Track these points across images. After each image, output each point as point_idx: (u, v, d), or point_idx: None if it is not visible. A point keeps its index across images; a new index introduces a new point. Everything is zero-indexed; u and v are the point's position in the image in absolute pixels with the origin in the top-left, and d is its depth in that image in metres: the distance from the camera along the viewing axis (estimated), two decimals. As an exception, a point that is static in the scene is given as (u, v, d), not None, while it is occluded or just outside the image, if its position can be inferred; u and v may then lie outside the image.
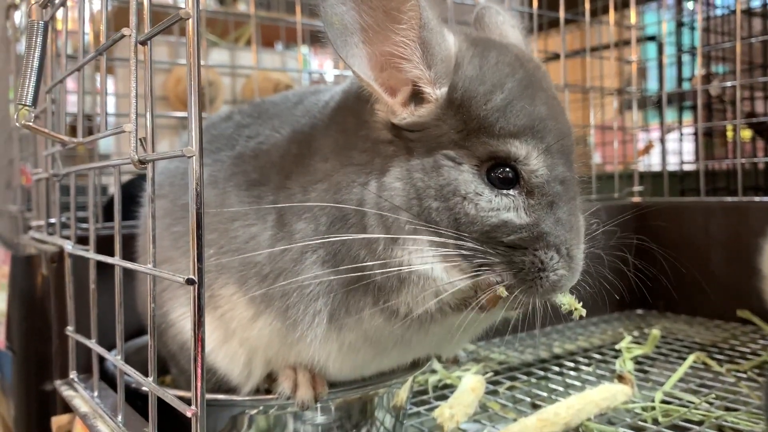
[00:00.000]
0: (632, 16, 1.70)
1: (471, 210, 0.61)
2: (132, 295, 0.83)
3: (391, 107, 0.63)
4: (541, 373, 1.15)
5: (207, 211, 0.70)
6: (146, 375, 0.58)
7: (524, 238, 0.62)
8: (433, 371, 1.11)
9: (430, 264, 0.63)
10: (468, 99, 0.62)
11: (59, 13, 0.79)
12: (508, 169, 0.62)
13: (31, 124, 0.64)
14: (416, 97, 0.64)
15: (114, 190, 0.97)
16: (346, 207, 0.64)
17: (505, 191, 0.62)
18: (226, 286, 0.70)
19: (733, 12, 1.77)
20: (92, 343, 0.75)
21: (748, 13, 1.79)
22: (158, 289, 0.69)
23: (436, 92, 0.62)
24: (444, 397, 0.99)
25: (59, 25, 0.87)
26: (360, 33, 0.61)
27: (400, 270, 0.63)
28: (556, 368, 1.17)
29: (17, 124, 0.64)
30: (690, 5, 1.97)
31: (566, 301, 0.66)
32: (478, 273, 0.62)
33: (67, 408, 0.84)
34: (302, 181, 0.68)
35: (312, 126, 0.72)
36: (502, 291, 0.62)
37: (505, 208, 0.62)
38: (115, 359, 0.66)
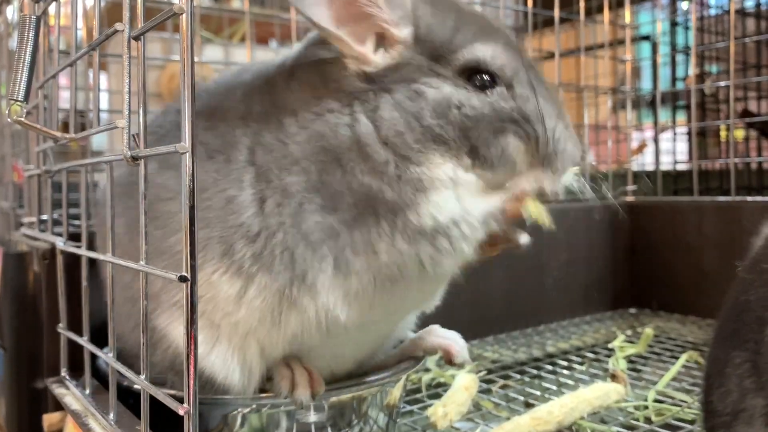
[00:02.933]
0: (627, 15, 1.70)
1: (470, 112, 0.66)
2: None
3: (362, 56, 0.67)
4: (534, 371, 1.15)
5: (166, 197, 0.68)
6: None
7: (525, 116, 0.68)
8: (427, 370, 1.11)
9: (450, 169, 0.66)
10: (431, 30, 0.68)
11: (51, 8, 0.78)
12: (482, 74, 0.68)
13: (23, 119, 0.64)
14: (381, 42, 0.68)
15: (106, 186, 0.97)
16: (341, 146, 0.66)
17: (489, 91, 0.68)
18: (204, 266, 0.67)
19: (727, 12, 1.78)
20: (84, 341, 0.74)
21: (742, 13, 1.79)
22: (138, 303, 0.67)
23: (402, 32, 0.67)
24: (437, 396, 0.99)
25: (51, 21, 0.87)
26: None
27: (421, 181, 0.65)
28: (549, 367, 1.18)
29: (9, 119, 0.64)
30: (684, 5, 1.98)
31: (533, 210, 0.68)
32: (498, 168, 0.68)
33: (58, 406, 0.83)
34: (278, 135, 0.68)
35: (270, 84, 0.72)
36: (531, 203, 0.67)
37: (496, 101, 0.67)
38: (107, 357, 0.66)
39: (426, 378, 1.09)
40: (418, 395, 1.03)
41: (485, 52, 0.68)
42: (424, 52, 0.68)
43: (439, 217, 0.66)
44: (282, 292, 0.67)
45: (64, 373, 0.84)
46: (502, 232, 0.70)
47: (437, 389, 1.05)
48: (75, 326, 0.79)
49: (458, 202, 0.67)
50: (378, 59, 0.67)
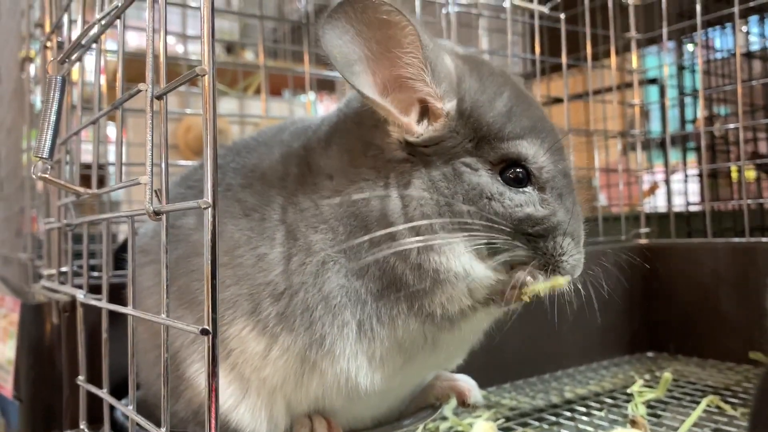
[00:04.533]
0: (634, 60, 1.73)
1: (499, 208, 0.67)
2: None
3: (406, 126, 0.68)
4: (553, 418, 1.14)
5: (203, 252, 0.70)
6: (158, 426, 0.57)
7: (545, 228, 0.68)
8: (444, 418, 1.10)
9: (467, 261, 0.67)
10: (476, 108, 0.68)
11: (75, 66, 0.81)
12: (519, 169, 0.69)
13: (47, 176, 0.65)
14: (425, 114, 0.68)
15: (124, 236, 0.98)
16: (370, 216, 0.67)
17: (521, 189, 0.68)
18: (235, 322, 0.68)
19: (733, 55, 1.80)
20: (104, 393, 0.75)
21: (748, 55, 1.82)
22: (171, 351, 0.68)
23: (446, 106, 0.68)
24: (455, 445, 0.97)
25: (74, 76, 0.89)
26: (362, 61, 0.65)
27: (438, 272, 0.66)
28: (568, 413, 1.16)
29: (33, 176, 0.65)
30: (689, 48, 2.00)
31: (542, 287, 0.70)
32: (509, 263, 0.69)
33: (76, 459, 0.83)
34: (312, 197, 0.69)
35: (307, 148, 0.73)
36: (529, 290, 0.68)
37: (525, 203, 0.68)
38: (126, 409, 0.66)
39: (443, 427, 1.07)
40: (436, 444, 1.02)
41: (530, 150, 0.68)
42: (468, 129, 0.68)
43: (449, 308, 0.68)
44: (303, 353, 0.68)
45: (83, 425, 0.84)
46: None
47: (455, 438, 1.04)
48: (95, 378, 0.80)
49: (469, 295, 0.69)
50: (421, 130, 0.68)
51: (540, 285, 0.69)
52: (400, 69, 0.66)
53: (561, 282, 0.70)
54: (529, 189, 0.69)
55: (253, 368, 0.69)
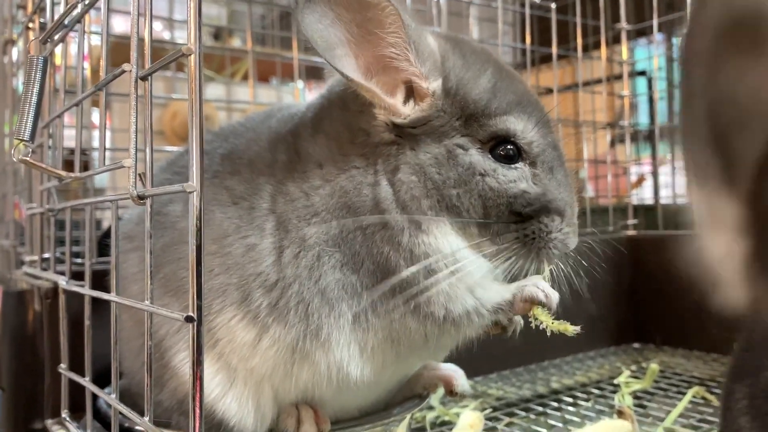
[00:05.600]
0: (623, 51, 1.73)
1: (493, 184, 0.66)
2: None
3: (392, 107, 0.66)
4: (540, 408, 1.14)
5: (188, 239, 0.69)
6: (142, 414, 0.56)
7: (537, 209, 0.67)
8: (431, 408, 1.10)
9: (455, 242, 0.66)
10: (461, 86, 0.67)
11: (58, 48, 0.79)
12: (509, 146, 0.68)
13: (28, 159, 0.64)
14: (411, 94, 0.67)
15: (108, 223, 0.96)
16: (362, 207, 0.66)
17: (512, 165, 0.67)
18: (224, 312, 0.67)
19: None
20: (86, 381, 0.73)
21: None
22: (156, 340, 0.67)
23: (432, 85, 0.67)
24: (442, 435, 0.97)
25: (58, 60, 0.88)
26: (344, 45, 0.64)
27: (428, 261, 0.65)
28: (555, 404, 1.16)
29: (14, 158, 0.64)
30: (677, 41, 2.01)
31: (542, 317, 0.70)
32: (516, 274, 0.69)
33: (57, 448, 0.82)
34: (302, 186, 0.68)
35: (295, 134, 0.72)
36: (537, 314, 0.68)
37: (518, 179, 0.67)
38: (109, 398, 0.65)
39: (430, 416, 1.07)
40: (422, 433, 1.02)
41: (518, 125, 0.67)
42: (454, 108, 0.68)
43: (452, 309, 0.67)
44: (295, 344, 0.67)
45: (64, 414, 0.82)
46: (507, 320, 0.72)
47: (442, 428, 1.04)
48: (77, 366, 0.78)
49: (471, 293, 0.67)
50: (407, 111, 0.67)
51: (548, 320, 0.70)
52: (383, 50, 0.65)
53: (569, 329, 0.70)
54: (520, 165, 0.68)
55: (241, 358, 0.68)
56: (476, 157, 0.67)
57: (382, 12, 0.64)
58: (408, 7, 0.68)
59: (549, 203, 0.68)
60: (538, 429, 1.03)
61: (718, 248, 0.26)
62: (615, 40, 1.75)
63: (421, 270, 0.65)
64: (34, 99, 0.65)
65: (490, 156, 0.67)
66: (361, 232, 0.66)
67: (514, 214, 0.67)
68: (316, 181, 0.67)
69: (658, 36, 1.93)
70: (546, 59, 1.75)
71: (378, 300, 0.66)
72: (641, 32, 1.80)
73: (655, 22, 1.62)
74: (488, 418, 1.05)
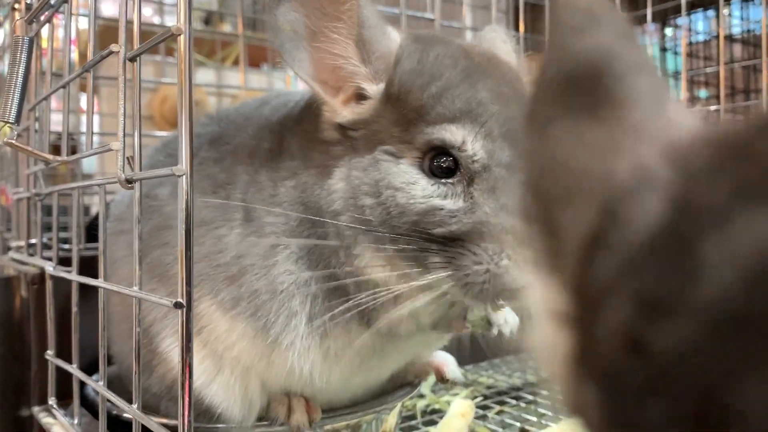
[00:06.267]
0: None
1: (402, 199, 0.59)
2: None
3: (333, 106, 0.64)
4: (530, 396, 1.14)
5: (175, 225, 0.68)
6: (130, 402, 0.56)
7: (458, 230, 0.57)
8: (421, 396, 1.09)
9: (387, 273, 0.61)
10: (405, 92, 0.61)
11: (44, 31, 0.78)
12: (449, 158, 0.59)
13: (13, 141, 0.63)
14: (359, 95, 0.64)
15: (97, 209, 0.95)
16: (313, 207, 0.63)
17: (444, 180, 0.59)
18: (202, 300, 0.66)
19: (715, 37, 1.80)
20: (73, 368, 0.72)
21: (729, 39, 1.82)
22: (144, 325, 0.66)
23: (373, 88, 0.63)
24: (433, 423, 0.97)
25: (44, 43, 0.86)
26: (309, 38, 0.62)
27: (367, 279, 0.61)
28: (545, 392, 1.16)
29: (0, 142, 0.62)
30: (668, 32, 2.00)
31: (473, 319, 0.66)
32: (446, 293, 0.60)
33: (45, 435, 0.81)
34: (273, 176, 0.66)
35: (282, 124, 0.71)
36: (471, 321, 0.64)
37: (439, 195, 0.59)
38: (97, 385, 0.64)
39: (421, 404, 1.07)
40: (413, 422, 1.01)
41: (457, 135, 0.59)
42: (395, 114, 0.61)
43: (395, 329, 0.65)
44: (254, 340, 0.65)
45: (51, 401, 0.81)
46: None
47: (432, 416, 1.03)
48: (65, 353, 0.77)
49: (413, 316, 0.64)
50: (345, 112, 0.63)
51: (474, 316, 0.64)
52: (333, 47, 0.62)
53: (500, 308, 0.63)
54: (453, 180, 0.59)
55: (225, 347, 0.67)
56: (403, 168, 0.60)
57: (342, 4, 0.60)
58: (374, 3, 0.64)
59: (480, 226, 0.57)
60: (529, 417, 1.03)
61: (545, 339, 0.23)
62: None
63: (362, 285, 0.62)
64: (20, 80, 0.63)
65: (420, 168, 0.60)
66: (315, 232, 0.63)
67: (442, 238, 0.58)
68: (284, 173, 0.66)
69: (651, 26, 1.93)
70: (539, 47, 1.73)
71: (335, 300, 0.63)
72: (634, 22, 1.79)
73: (648, 12, 1.61)
74: (479, 407, 1.05)
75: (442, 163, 0.59)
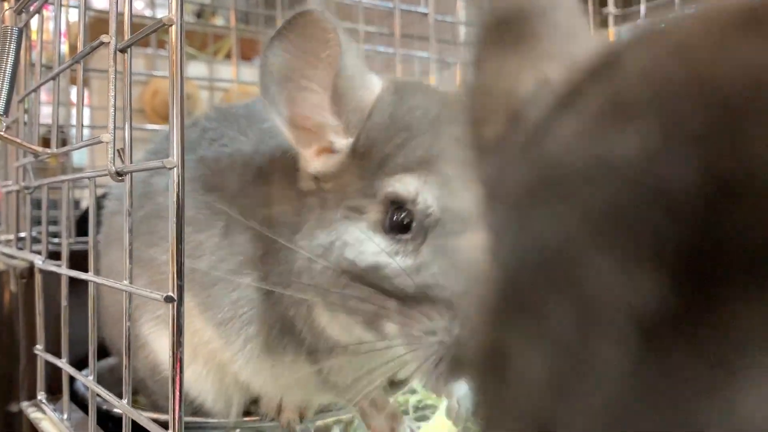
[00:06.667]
0: (609, 35, 1.72)
1: (350, 255, 0.55)
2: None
3: (306, 156, 0.61)
4: (523, 392, 1.14)
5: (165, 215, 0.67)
6: (119, 396, 0.55)
7: (406, 292, 0.53)
8: (413, 391, 1.09)
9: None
10: (370, 146, 0.58)
11: (34, 23, 0.77)
12: (403, 213, 0.55)
13: (2, 133, 0.62)
14: (332, 147, 0.60)
15: (87, 203, 0.94)
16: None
17: (400, 236, 0.55)
18: (186, 294, 0.66)
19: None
20: (63, 363, 0.72)
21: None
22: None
23: (342, 142, 0.59)
24: (425, 418, 0.97)
25: (34, 35, 0.85)
26: (292, 83, 0.59)
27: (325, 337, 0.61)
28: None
29: (-13, 133, 0.62)
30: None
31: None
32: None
33: (33, 431, 0.80)
34: (253, 198, 0.65)
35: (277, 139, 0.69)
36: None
37: (390, 252, 0.55)
38: (86, 380, 0.63)
39: (413, 400, 1.07)
40: (405, 417, 1.01)
41: (410, 186, 0.55)
42: (361, 168, 0.58)
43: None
44: (219, 350, 0.66)
45: (41, 396, 0.81)
46: None
47: (425, 411, 1.03)
48: (54, 348, 0.77)
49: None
50: (317, 163, 0.60)
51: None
52: (312, 96, 0.59)
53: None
54: (407, 236, 0.55)
55: (199, 341, 0.67)
56: (361, 225, 0.57)
57: (323, 49, 0.57)
58: (357, 45, 0.61)
59: (426, 290, 0.52)
60: (521, 413, 1.03)
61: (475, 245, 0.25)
62: (602, 24, 1.74)
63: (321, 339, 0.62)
64: (9, 71, 0.62)
65: (385, 226, 0.56)
66: (279, 272, 0.62)
67: (397, 300, 0.54)
68: (272, 188, 0.64)
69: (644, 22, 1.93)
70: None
71: (288, 337, 0.63)
72: (628, 17, 1.79)
73: (642, 8, 1.61)
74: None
75: (400, 218, 0.55)
